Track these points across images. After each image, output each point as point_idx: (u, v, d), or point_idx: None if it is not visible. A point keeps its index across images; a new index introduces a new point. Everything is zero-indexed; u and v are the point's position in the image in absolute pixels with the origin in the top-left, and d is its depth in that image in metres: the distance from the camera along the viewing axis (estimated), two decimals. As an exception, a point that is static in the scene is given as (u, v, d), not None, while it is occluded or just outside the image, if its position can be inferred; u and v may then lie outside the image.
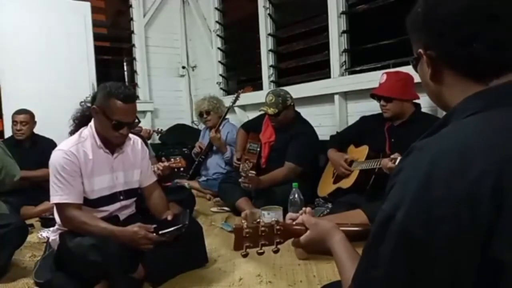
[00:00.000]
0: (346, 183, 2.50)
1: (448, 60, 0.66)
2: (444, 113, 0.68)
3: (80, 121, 1.93)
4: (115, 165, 1.89)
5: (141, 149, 2.03)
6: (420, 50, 0.68)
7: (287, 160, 2.88)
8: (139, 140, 2.04)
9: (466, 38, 0.62)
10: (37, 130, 3.39)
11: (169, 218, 1.84)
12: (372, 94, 2.46)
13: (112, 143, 1.86)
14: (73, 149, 1.76)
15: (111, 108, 1.74)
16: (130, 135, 1.95)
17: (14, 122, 3.28)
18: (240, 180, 2.75)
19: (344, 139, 2.72)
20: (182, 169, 2.83)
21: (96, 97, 1.80)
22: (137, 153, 2.00)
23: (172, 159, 2.68)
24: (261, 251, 0.99)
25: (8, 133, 3.62)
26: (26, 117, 3.28)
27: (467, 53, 0.63)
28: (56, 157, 1.76)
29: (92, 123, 1.86)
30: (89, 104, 1.86)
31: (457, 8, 0.63)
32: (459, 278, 0.51)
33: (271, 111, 2.91)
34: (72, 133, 1.94)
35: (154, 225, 1.73)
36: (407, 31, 0.73)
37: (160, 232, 1.71)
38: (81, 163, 1.77)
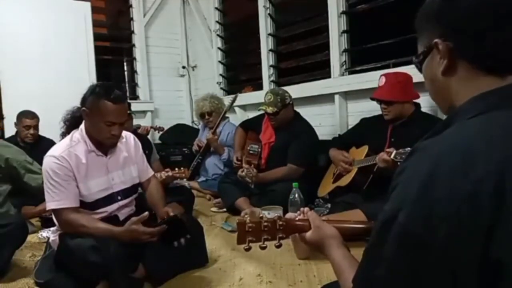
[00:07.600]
0: (344, 181, 2.50)
1: (465, 53, 0.64)
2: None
3: (70, 123, 1.91)
4: (110, 166, 1.86)
5: (134, 143, 2.00)
6: (436, 40, 0.66)
7: (289, 162, 2.88)
8: (131, 135, 2.02)
9: (484, 32, 0.61)
10: (38, 130, 3.39)
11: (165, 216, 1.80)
12: (372, 98, 2.45)
13: (104, 144, 1.83)
14: (64, 154, 1.74)
15: (102, 109, 1.72)
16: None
17: (27, 126, 3.26)
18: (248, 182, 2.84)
19: (346, 141, 2.72)
20: (185, 180, 2.83)
21: (86, 99, 1.77)
22: (131, 148, 1.97)
23: (177, 169, 2.68)
24: (264, 245, 0.98)
25: (8, 133, 3.62)
26: (36, 121, 3.29)
27: (484, 47, 0.61)
28: (47, 163, 1.74)
29: (82, 126, 1.83)
30: (79, 106, 1.82)
31: (476, 1, 0.62)
32: (460, 279, 0.51)
33: (270, 109, 2.90)
34: (63, 135, 1.92)
35: (146, 212, 1.70)
36: (418, 21, 0.70)
37: (158, 222, 1.72)
38: (73, 168, 1.74)
